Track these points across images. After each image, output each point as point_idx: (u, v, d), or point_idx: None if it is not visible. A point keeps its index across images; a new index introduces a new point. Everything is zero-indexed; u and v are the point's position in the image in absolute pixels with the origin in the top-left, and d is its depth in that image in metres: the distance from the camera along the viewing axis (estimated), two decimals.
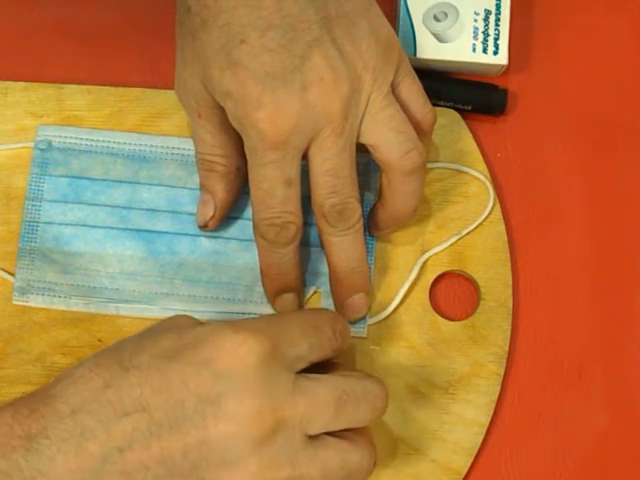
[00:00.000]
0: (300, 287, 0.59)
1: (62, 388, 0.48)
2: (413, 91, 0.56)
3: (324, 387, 0.49)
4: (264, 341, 0.48)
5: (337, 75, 0.52)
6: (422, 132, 0.56)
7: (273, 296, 0.59)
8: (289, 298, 0.59)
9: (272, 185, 0.54)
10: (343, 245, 0.56)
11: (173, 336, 0.49)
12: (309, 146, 0.54)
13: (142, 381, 0.47)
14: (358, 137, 0.55)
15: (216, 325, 0.49)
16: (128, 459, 0.46)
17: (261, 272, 0.58)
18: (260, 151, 0.53)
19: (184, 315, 0.52)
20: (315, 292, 0.60)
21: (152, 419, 0.46)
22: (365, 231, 0.59)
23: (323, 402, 0.49)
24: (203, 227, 0.60)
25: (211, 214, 0.59)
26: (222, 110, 0.55)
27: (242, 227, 0.61)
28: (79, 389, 0.47)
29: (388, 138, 0.54)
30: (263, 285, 0.59)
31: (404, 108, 0.55)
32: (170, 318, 0.52)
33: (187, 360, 0.47)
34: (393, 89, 0.55)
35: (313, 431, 0.49)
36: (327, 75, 0.52)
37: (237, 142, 0.57)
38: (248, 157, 0.54)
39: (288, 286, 0.58)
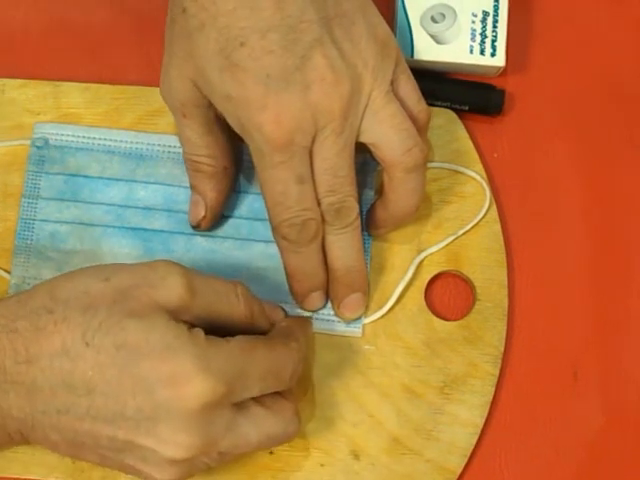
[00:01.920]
0: (326, 284, 0.59)
1: (25, 327, 0.49)
2: (409, 89, 0.56)
3: (255, 428, 0.51)
4: (218, 389, 0.48)
5: (338, 75, 0.52)
6: (418, 129, 0.56)
7: (302, 297, 0.59)
8: (317, 297, 0.59)
9: (286, 185, 0.54)
10: (340, 244, 0.56)
11: (143, 328, 0.48)
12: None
13: (97, 365, 0.48)
14: (358, 136, 0.55)
15: (189, 344, 0.49)
16: (62, 420, 0.49)
17: (287, 275, 0.58)
18: (267, 154, 0.53)
19: (174, 268, 0.51)
20: None
21: (93, 402, 0.48)
22: (363, 230, 0.59)
23: (250, 443, 0.51)
24: (196, 227, 0.60)
25: (202, 214, 0.59)
26: (209, 110, 0.55)
27: (238, 226, 0.61)
28: (39, 339, 0.49)
29: (389, 136, 0.54)
30: (290, 288, 0.59)
31: (401, 105, 0.55)
32: (160, 267, 0.52)
33: (145, 370, 0.48)
34: (391, 87, 0.55)
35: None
36: (328, 75, 0.52)
37: (224, 142, 0.57)
38: (255, 161, 0.54)
39: (316, 286, 0.58)
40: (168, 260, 0.52)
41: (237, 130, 0.54)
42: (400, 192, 0.56)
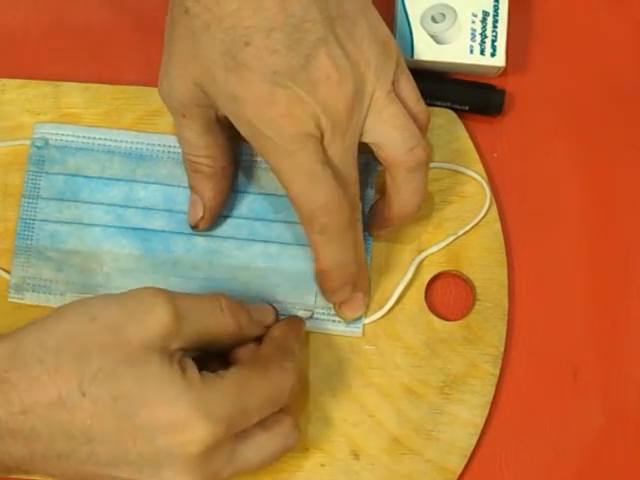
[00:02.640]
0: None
1: (18, 378, 0.48)
2: (409, 89, 0.56)
3: (256, 452, 0.52)
4: (218, 431, 0.49)
5: (342, 74, 0.52)
6: (419, 129, 0.56)
7: (337, 295, 0.58)
8: (359, 296, 0.59)
9: (310, 168, 0.53)
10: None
11: (138, 376, 0.48)
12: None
13: (95, 415, 0.48)
14: (361, 136, 0.55)
15: (185, 389, 0.49)
16: (63, 464, 0.49)
17: (323, 274, 0.57)
18: (282, 145, 0.52)
19: (159, 297, 0.51)
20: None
21: (93, 450, 0.49)
22: (364, 230, 0.59)
23: (251, 466, 0.52)
24: (194, 227, 0.60)
25: (201, 214, 0.59)
26: (209, 110, 0.55)
27: (238, 226, 0.61)
28: (33, 390, 0.48)
29: (392, 136, 0.54)
30: (326, 288, 0.58)
31: (407, 107, 0.55)
32: (145, 298, 0.51)
33: (143, 419, 0.48)
34: (393, 87, 0.55)
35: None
36: (333, 74, 0.52)
37: (223, 143, 0.57)
38: (270, 156, 0.53)
39: (350, 280, 0.57)
40: (152, 288, 0.51)
41: (244, 131, 0.54)
42: (402, 192, 0.56)
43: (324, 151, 0.53)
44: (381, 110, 0.54)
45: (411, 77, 0.56)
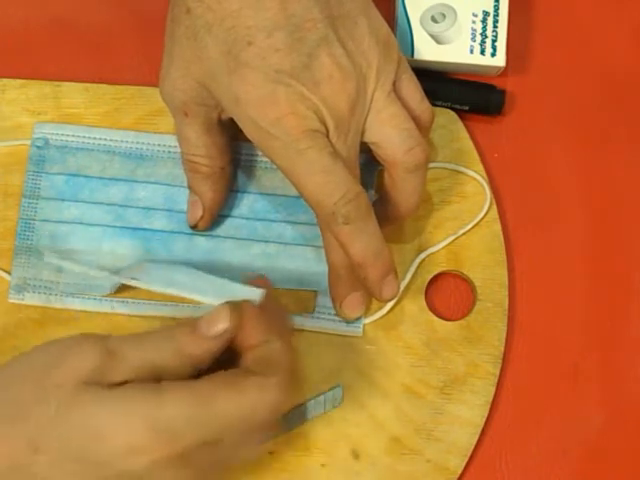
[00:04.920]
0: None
1: None
2: (411, 88, 0.56)
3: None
4: (171, 445, 0.46)
5: (344, 73, 0.52)
6: (421, 129, 0.56)
7: (379, 284, 0.56)
8: (392, 280, 0.56)
9: (324, 164, 0.52)
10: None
11: (79, 415, 0.47)
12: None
13: (53, 465, 0.47)
14: (361, 135, 0.55)
15: (131, 408, 0.47)
16: None
17: (357, 267, 0.55)
18: (291, 143, 0.52)
19: (86, 340, 0.49)
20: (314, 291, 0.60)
21: None
22: None
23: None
24: (194, 227, 0.60)
25: (200, 214, 0.59)
26: (212, 110, 0.55)
27: (238, 226, 0.61)
28: None
29: (392, 136, 0.54)
30: (369, 280, 0.56)
31: (403, 105, 0.55)
32: (74, 346, 0.49)
33: (98, 453, 0.47)
34: (394, 87, 0.55)
35: None
36: (335, 73, 0.52)
37: (222, 143, 0.57)
38: (281, 159, 0.53)
39: (391, 265, 0.56)
40: (81, 334, 0.49)
41: (250, 133, 0.54)
42: (401, 191, 0.56)
43: (332, 145, 0.53)
44: (381, 110, 0.54)
45: (414, 76, 0.56)
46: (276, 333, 0.51)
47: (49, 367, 0.48)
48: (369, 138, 0.55)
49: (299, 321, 0.60)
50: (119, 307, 0.60)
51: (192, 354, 0.49)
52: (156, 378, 0.48)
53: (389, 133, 0.54)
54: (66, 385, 0.47)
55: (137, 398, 0.47)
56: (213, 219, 0.60)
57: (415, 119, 0.55)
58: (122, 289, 0.59)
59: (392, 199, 0.57)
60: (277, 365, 0.50)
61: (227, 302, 0.50)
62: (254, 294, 0.52)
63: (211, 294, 0.52)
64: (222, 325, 0.50)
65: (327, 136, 0.53)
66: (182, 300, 0.60)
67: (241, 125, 0.54)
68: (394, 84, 0.55)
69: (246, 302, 0.51)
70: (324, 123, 0.52)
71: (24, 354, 0.50)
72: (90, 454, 0.46)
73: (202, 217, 0.59)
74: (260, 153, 0.61)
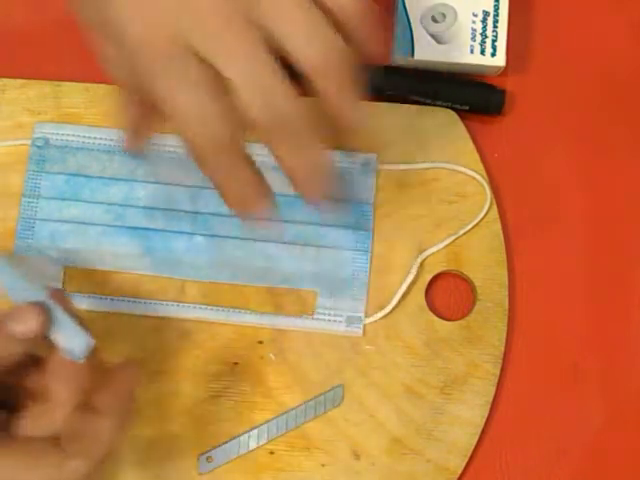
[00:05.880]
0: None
1: None
2: None
3: None
4: None
5: None
6: (340, 23, 0.45)
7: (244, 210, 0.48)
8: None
9: (183, 92, 0.43)
10: None
11: None
12: (209, 56, 0.43)
13: None
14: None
15: None
16: None
17: (224, 196, 0.47)
18: (147, 64, 0.44)
19: None
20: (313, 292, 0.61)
21: None
22: (362, 229, 0.59)
23: None
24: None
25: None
26: None
27: (238, 226, 0.61)
28: None
29: (294, 34, 0.44)
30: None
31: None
32: None
33: None
34: None
35: None
36: None
37: None
38: (141, 82, 0.45)
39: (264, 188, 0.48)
40: None
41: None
42: (327, 99, 0.46)
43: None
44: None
45: None
46: (111, 402, 0.46)
47: None
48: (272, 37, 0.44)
49: (299, 322, 0.60)
50: (119, 307, 0.60)
51: None
52: None
53: (291, 31, 0.44)
54: None
55: None
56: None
57: (330, 13, 0.45)
58: (122, 289, 0.60)
59: (328, 109, 0.46)
60: (91, 445, 0.45)
61: (35, 302, 0.46)
62: (80, 341, 0.46)
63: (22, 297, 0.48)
64: (29, 325, 0.45)
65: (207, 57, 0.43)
66: (182, 300, 0.60)
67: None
68: None
69: (122, 364, 0.47)
70: (190, 32, 0.43)
71: None
72: None
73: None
74: (261, 152, 0.61)
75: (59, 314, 0.47)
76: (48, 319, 0.46)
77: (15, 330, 0.45)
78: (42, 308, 0.46)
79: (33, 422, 0.45)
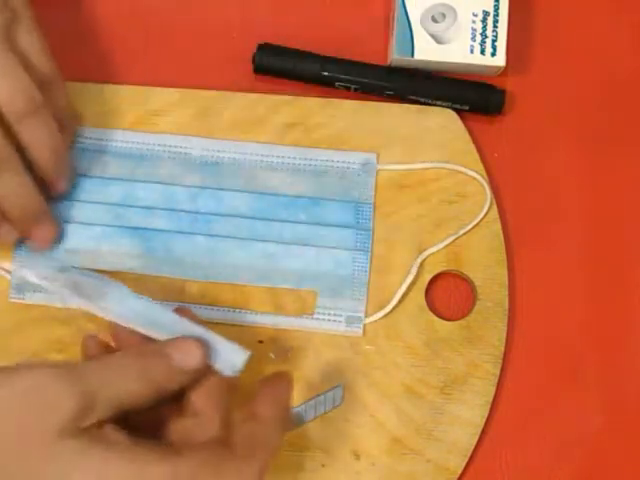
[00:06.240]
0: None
1: None
2: (29, 41, 0.56)
3: None
4: None
5: None
6: (44, 83, 0.56)
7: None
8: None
9: None
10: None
11: (57, 470, 0.45)
12: None
13: None
14: None
15: (117, 466, 0.45)
16: None
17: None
18: None
19: (58, 381, 0.46)
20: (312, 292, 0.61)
21: None
22: (362, 229, 0.59)
23: None
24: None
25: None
26: None
27: (238, 225, 0.61)
28: None
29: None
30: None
31: (21, 56, 0.55)
32: (47, 388, 0.46)
33: None
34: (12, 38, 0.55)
35: None
36: None
37: None
38: None
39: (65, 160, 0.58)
40: (52, 371, 0.47)
41: None
42: (25, 146, 0.55)
43: None
44: None
45: (35, 31, 0.56)
46: (274, 410, 0.50)
47: (25, 417, 0.45)
48: None
49: (299, 322, 0.60)
50: None
51: (161, 385, 0.49)
52: (123, 410, 0.47)
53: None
54: (43, 435, 0.45)
55: (118, 465, 0.45)
56: None
57: (35, 72, 0.55)
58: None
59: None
60: (263, 449, 0.48)
61: (193, 337, 0.50)
62: (240, 357, 0.51)
63: (169, 333, 0.51)
64: (195, 360, 0.49)
65: None
66: (182, 300, 0.60)
67: None
68: (10, 34, 0.55)
69: (277, 375, 0.52)
70: None
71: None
72: None
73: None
74: (261, 152, 0.61)
75: (209, 337, 0.50)
76: (209, 349, 0.50)
77: (181, 364, 0.49)
78: (202, 340, 0.50)
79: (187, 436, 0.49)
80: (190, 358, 0.49)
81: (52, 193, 0.58)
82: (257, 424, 0.49)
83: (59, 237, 0.60)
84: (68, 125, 0.59)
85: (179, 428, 0.49)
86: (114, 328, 0.52)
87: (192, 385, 0.50)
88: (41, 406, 0.45)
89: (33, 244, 0.58)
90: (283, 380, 0.52)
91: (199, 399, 0.49)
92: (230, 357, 0.50)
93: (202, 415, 0.49)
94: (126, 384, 0.47)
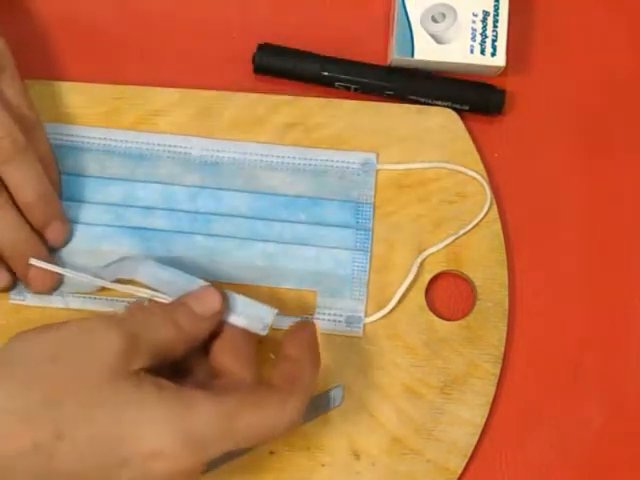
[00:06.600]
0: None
1: None
2: (12, 91, 0.58)
3: None
4: (198, 459, 0.48)
5: None
6: (28, 129, 0.58)
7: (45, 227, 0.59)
8: (60, 225, 0.59)
9: None
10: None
11: (109, 411, 0.48)
12: None
13: (76, 457, 0.47)
14: None
15: (163, 411, 0.48)
16: None
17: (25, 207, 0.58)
18: None
19: (108, 325, 0.50)
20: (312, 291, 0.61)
21: None
22: (362, 229, 0.59)
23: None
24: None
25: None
26: None
27: (238, 225, 0.61)
28: (6, 443, 0.47)
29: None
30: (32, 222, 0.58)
31: (5, 104, 0.57)
32: (96, 330, 0.50)
33: (124, 452, 0.47)
34: None
35: None
36: None
37: None
38: None
39: (57, 209, 0.59)
40: (99, 316, 0.51)
41: None
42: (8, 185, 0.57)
43: None
44: None
45: (19, 81, 0.59)
46: (309, 353, 0.53)
47: (79, 356, 0.48)
48: None
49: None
50: (119, 306, 0.60)
51: (190, 333, 0.52)
52: (162, 360, 0.50)
53: None
54: (98, 377, 0.48)
55: (169, 404, 0.48)
56: None
57: (18, 117, 0.57)
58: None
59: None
60: (301, 385, 0.51)
61: (210, 284, 0.54)
62: (267, 313, 0.54)
63: None
64: (216, 305, 0.53)
65: None
66: None
67: None
68: None
69: (300, 322, 0.55)
70: None
71: (50, 333, 0.50)
72: (113, 451, 0.47)
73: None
74: (261, 152, 0.61)
75: (231, 295, 0.54)
76: (226, 299, 0.53)
77: (200, 310, 0.52)
78: (218, 289, 0.53)
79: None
80: (208, 303, 0.52)
81: (49, 242, 0.59)
82: (291, 363, 0.52)
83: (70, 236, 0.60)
84: (51, 170, 0.60)
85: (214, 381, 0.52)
86: None
87: (221, 344, 0.53)
88: (92, 346, 0.49)
89: (30, 286, 0.59)
90: (307, 325, 0.55)
91: (225, 356, 0.53)
92: (259, 314, 0.53)
93: (232, 371, 0.52)
94: (160, 329, 0.51)
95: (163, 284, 0.56)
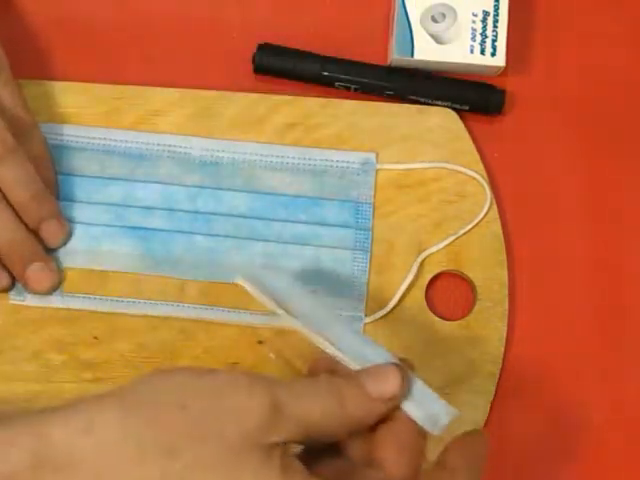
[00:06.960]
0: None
1: (96, 467, 0.42)
2: (7, 95, 0.59)
3: None
4: None
5: None
6: (22, 131, 0.59)
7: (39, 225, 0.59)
8: (56, 223, 0.59)
9: None
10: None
11: (230, 474, 0.42)
12: None
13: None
14: None
15: None
16: None
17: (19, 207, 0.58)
18: None
19: (257, 385, 0.44)
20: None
21: None
22: (362, 229, 0.59)
23: None
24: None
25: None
26: None
27: (238, 225, 0.61)
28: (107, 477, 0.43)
29: None
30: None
31: (1, 106, 0.58)
32: (242, 387, 0.44)
33: None
34: None
35: None
36: None
37: None
38: None
39: (54, 208, 0.60)
40: (248, 375, 0.45)
41: None
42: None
43: None
44: None
45: (14, 85, 0.59)
46: (471, 471, 0.46)
47: (215, 412, 0.43)
48: None
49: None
50: (119, 307, 0.60)
51: (353, 415, 0.45)
52: (308, 437, 0.44)
53: None
54: (229, 438, 0.43)
55: None
56: None
57: (11, 120, 0.58)
58: (122, 289, 0.60)
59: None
60: None
61: (393, 363, 0.46)
62: (444, 412, 0.46)
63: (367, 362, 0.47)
64: (394, 390, 0.45)
65: None
66: (182, 300, 0.60)
67: None
68: None
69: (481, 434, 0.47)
70: None
71: (186, 380, 0.45)
72: None
73: None
74: (260, 152, 0.61)
75: (415, 381, 0.46)
76: (408, 382, 0.45)
77: (375, 390, 0.45)
78: (402, 370, 0.45)
79: None
80: (386, 384, 0.45)
81: (45, 242, 0.59)
82: (448, 474, 0.45)
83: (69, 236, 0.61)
84: (46, 170, 0.60)
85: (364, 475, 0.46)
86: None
87: (387, 433, 0.46)
88: (233, 406, 0.43)
89: (27, 286, 0.59)
90: (481, 439, 0.47)
91: (388, 448, 0.46)
92: (434, 409, 0.46)
93: (390, 469, 0.45)
94: (316, 403, 0.44)
95: (350, 349, 0.48)
